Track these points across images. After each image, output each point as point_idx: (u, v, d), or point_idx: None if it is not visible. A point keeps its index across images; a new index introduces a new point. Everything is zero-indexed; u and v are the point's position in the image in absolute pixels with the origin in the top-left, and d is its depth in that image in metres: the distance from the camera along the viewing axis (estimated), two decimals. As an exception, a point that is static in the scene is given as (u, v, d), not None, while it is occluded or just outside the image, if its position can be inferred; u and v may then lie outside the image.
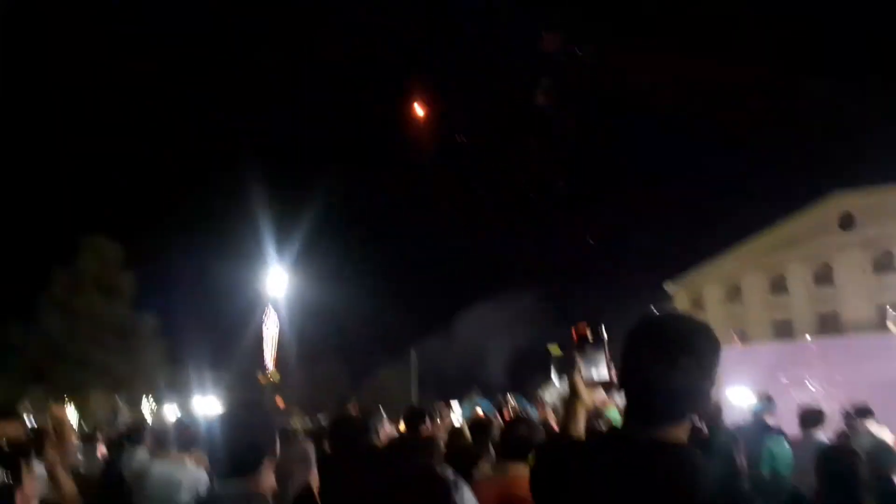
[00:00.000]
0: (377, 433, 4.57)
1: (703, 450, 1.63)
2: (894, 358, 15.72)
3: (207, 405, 23.51)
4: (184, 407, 25.62)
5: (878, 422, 7.63)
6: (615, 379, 2.08)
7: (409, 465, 3.17)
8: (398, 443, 3.89)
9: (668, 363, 1.57)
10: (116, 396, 27.51)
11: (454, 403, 12.54)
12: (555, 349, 43.51)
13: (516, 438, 3.44)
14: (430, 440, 4.25)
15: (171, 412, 23.46)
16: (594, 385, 2.16)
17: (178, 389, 32.75)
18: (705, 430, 5.48)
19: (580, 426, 2.14)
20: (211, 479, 3.06)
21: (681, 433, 1.61)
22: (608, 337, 2.27)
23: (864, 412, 7.75)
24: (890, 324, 28.76)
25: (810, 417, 6.54)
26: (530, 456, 3.53)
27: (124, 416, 20.58)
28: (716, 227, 48.14)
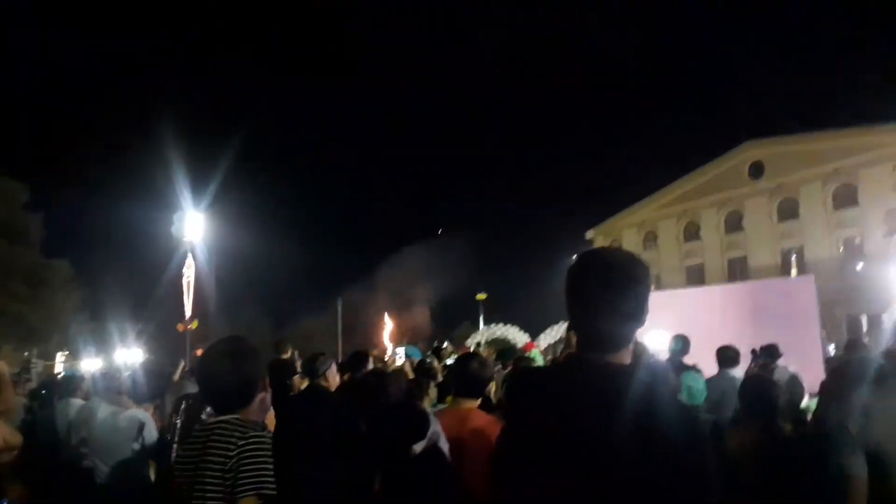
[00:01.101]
0: (325, 377, 4.63)
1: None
2: (797, 301, 16.84)
3: (129, 357, 22.90)
4: (105, 360, 24.90)
5: (783, 361, 8.27)
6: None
7: (389, 398, 3.28)
8: (371, 379, 3.97)
9: (613, 293, 1.74)
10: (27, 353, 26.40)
11: (399, 350, 12.79)
12: (481, 296, 44.07)
13: (468, 374, 3.58)
14: (399, 375, 4.36)
15: (89, 365, 22.76)
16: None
17: (96, 341, 31.71)
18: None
19: None
20: (192, 410, 3.07)
21: (627, 357, 1.80)
22: (534, 279, 2.40)
23: (771, 352, 8.38)
24: (793, 269, 30.47)
25: (727, 356, 6.97)
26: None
27: (38, 369, 19.85)
28: (634, 176, 49.72)
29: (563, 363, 1.98)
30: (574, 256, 1.89)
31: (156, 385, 4.45)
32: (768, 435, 3.70)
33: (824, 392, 3.13)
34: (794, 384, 6.15)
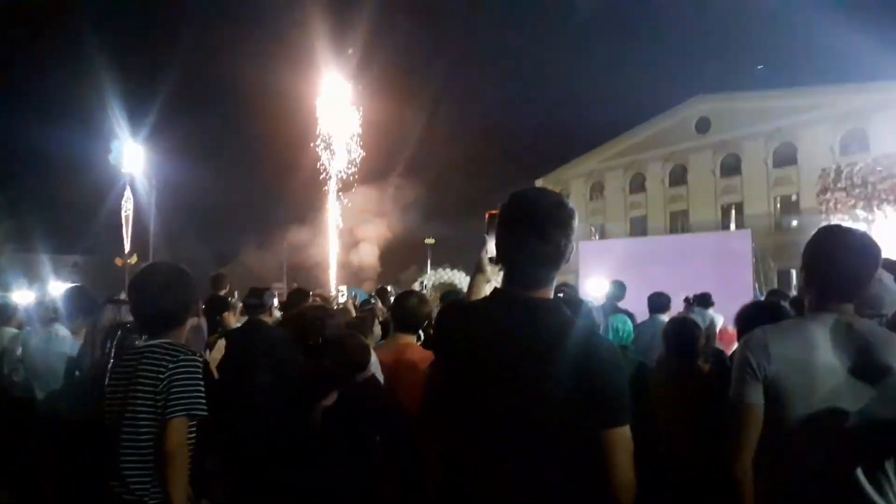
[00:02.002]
0: (269, 312, 4.65)
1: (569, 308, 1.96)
2: (733, 254, 17.47)
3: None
4: (38, 292, 24.14)
5: (715, 310, 8.64)
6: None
7: (327, 331, 3.34)
8: (312, 312, 4.01)
9: (538, 234, 1.83)
10: None
11: (342, 288, 12.84)
12: (430, 240, 43.99)
13: (407, 309, 3.66)
14: (342, 310, 4.40)
15: (21, 297, 22.06)
16: (496, 261, 2.37)
17: (28, 273, 30.71)
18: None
19: (481, 296, 2.38)
20: (124, 337, 3.07)
21: (549, 293, 1.91)
22: (482, 226, 2.47)
23: (704, 301, 8.74)
24: (732, 224, 31.27)
25: (657, 302, 7.23)
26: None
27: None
28: (584, 127, 50.00)
29: (489, 297, 2.07)
30: (510, 195, 1.95)
31: (85, 306, 4.41)
32: (687, 372, 3.93)
33: (737, 331, 3.36)
34: (713, 325, 6.47)
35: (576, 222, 1.89)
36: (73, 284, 5.20)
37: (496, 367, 1.80)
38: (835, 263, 2.04)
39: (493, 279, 2.43)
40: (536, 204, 1.87)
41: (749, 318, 3.09)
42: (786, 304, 4.00)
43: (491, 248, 2.36)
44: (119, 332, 3.09)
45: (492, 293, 2.06)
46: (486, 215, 2.40)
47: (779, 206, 36.43)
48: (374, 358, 3.33)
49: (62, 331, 4.55)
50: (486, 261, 2.41)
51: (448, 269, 26.92)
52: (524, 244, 1.85)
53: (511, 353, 1.79)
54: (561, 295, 4.95)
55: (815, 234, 2.13)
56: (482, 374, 1.82)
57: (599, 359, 1.76)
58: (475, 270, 2.47)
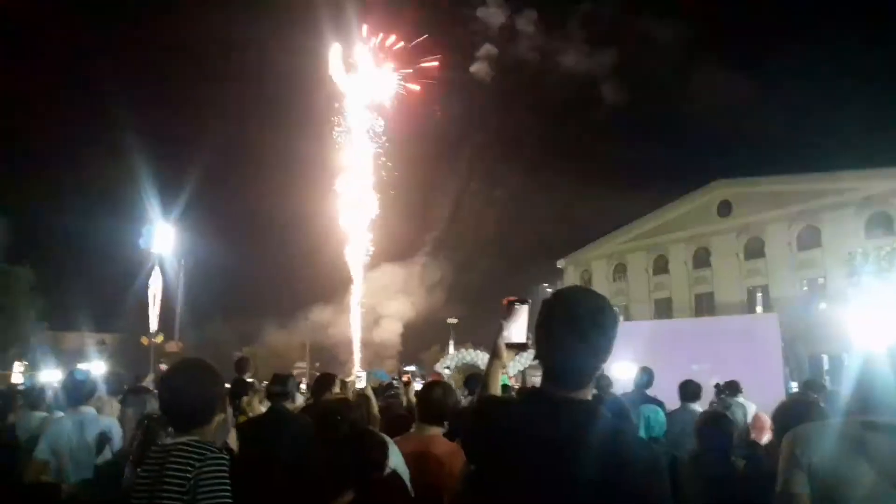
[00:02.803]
0: (293, 399, 4.64)
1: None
2: (761, 338, 17.20)
3: (91, 370, 22.38)
4: (65, 372, 24.31)
5: (745, 397, 8.44)
6: (530, 344, 2.35)
7: (347, 425, 3.31)
8: (333, 405, 3.99)
9: (579, 337, 1.85)
10: None
11: (361, 373, 12.77)
12: (453, 320, 43.86)
13: (432, 401, 3.63)
14: (365, 399, 4.37)
15: (48, 377, 22.22)
16: (513, 347, 2.39)
17: (57, 352, 30.96)
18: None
19: (497, 384, 2.38)
20: (151, 431, 3.07)
21: (588, 393, 1.91)
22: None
23: (733, 388, 8.56)
24: (759, 306, 30.86)
25: (689, 391, 7.10)
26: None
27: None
28: (606, 208, 50.39)
29: (526, 396, 2.08)
30: (548, 290, 1.98)
31: (114, 385, 4.45)
32: (722, 470, 3.81)
33: (775, 428, 3.33)
34: (745, 416, 6.32)
35: (618, 328, 1.90)
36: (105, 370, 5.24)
37: (533, 473, 1.78)
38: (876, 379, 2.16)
39: (510, 365, 2.43)
40: (580, 307, 1.89)
41: (789, 417, 3.10)
42: (821, 396, 3.92)
43: (507, 334, 2.38)
44: (147, 423, 3.10)
45: (530, 393, 2.06)
46: (504, 302, 2.43)
47: (805, 289, 35.96)
48: (396, 451, 3.29)
49: (90, 413, 4.56)
50: (502, 347, 2.41)
51: (471, 350, 26.73)
52: (565, 345, 1.86)
53: (550, 459, 1.78)
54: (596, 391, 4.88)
55: (865, 356, 2.31)
56: (519, 480, 1.80)
57: (645, 468, 1.76)
58: (492, 356, 2.48)
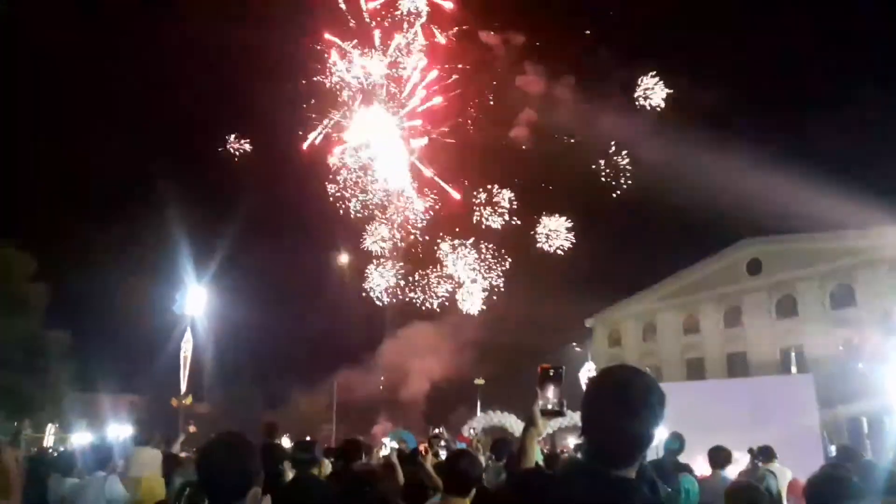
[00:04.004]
0: (319, 465, 4.70)
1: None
2: (797, 400, 16.78)
3: (121, 433, 22.57)
4: (95, 434, 24.53)
5: (780, 462, 8.25)
6: (565, 410, 2.39)
7: (375, 496, 3.38)
8: (361, 475, 4.04)
9: (630, 418, 1.87)
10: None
11: (385, 440, 12.72)
12: (480, 381, 43.49)
13: (459, 472, 3.67)
14: (390, 469, 4.41)
15: (80, 440, 22.40)
16: (548, 414, 2.42)
17: (88, 414, 31.24)
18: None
19: (534, 453, 2.42)
20: (192, 500, 3.17)
21: (633, 472, 1.94)
22: (534, 366, 2.54)
23: (767, 454, 8.37)
24: (793, 367, 30.16)
25: (719, 457, 7.00)
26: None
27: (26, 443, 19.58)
28: (635, 267, 50.06)
29: (572, 472, 2.08)
30: (577, 349, 2.04)
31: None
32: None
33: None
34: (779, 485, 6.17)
35: (666, 408, 1.93)
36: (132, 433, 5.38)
37: None
38: None
39: (545, 432, 2.46)
40: (630, 387, 1.91)
41: (822, 496, 3.07)
42: (855, 466, 3.86)
43: (543, 401, 2.41)
44: (186, 492, 3.20)
45: (576, 468, 2.07)
46: (539, 369, 2.46)
47: (841, 348, 35.08)
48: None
49: (116, 485, 4.67)
50: (538, 415, 2.44)
51: (498, 412, 26.42)
52: (614, 424, 1.88)
53: None
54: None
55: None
56: None
57: None
58: (527, 424, 2.49)
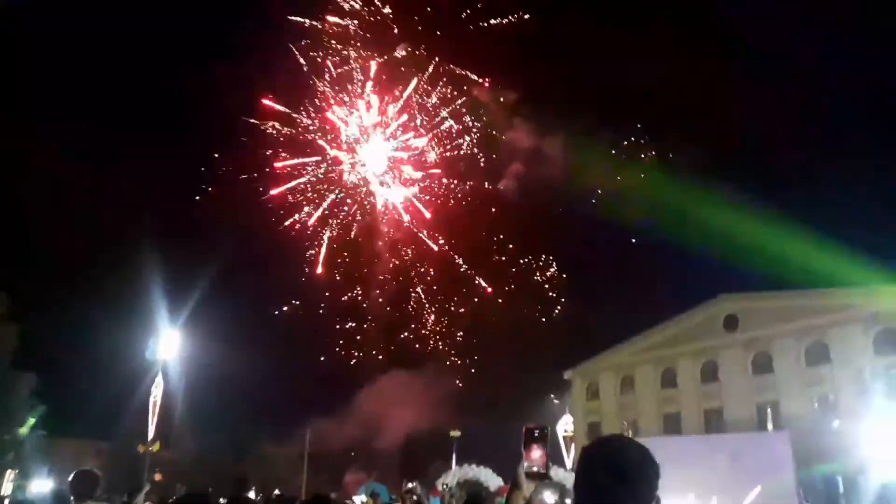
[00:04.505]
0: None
1: None
2: (773, 457, 16.79)
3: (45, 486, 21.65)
4: (56, 481, 23.81)
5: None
6: (550, 473, 2.36)
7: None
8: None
9: (626, 490, 1.88)
10: None
11: (357, 498, 12.51)
12: (455, 433, 42.98)
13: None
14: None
15: (40, 487, 21.66)
16: (533, 476, 2.40)
17: (51, 460, 30.29)
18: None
19: None
20: None
21: None
22: (510, 418, 2.53)
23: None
24: (769, 423, 30.23)
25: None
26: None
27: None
28: (613, 319, 50.31)
29: None
30: (555, 401, 2.04)
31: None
32: None
33: None
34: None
35: (660, 479, 1.93)
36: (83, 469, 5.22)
37: None
38: None
39: (529, 495, 2.43)
40: (627, 460, 1.92)
41: None
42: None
43: (528, 463, 2.39)
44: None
45: None
46: (524, 430, 2.45)
47: (816, 406, 35.23)
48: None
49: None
50: (523, 477, 2.42)
51: (474, 466, 25.99)
52: (610, 495, 1.87)
53: None
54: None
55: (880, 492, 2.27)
56: None
57: None
58: (512, 486, 2.48)
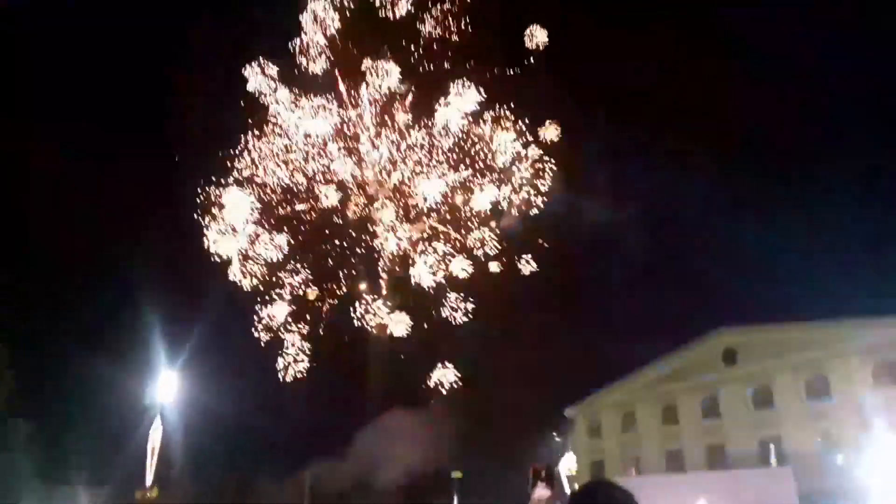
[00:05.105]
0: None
1: None
2: (776, 494, 16.71)
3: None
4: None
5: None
6: None
7: None
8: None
9: None
10: None
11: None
12: (457, 474, 42.51)
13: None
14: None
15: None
16: None
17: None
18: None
19: None
20: None
21: None
22: (512, 457, 2.63)
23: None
24: (773, 459, 29.97)
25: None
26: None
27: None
28: (613, 355, 49.99)
29: None
30: (557, 439, 2.14)
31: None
32: None
33: None
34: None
35: None
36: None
37: None
38: None
39: None
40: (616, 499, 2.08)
41: None
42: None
43: (533, 501, 2.48)
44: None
45: None
46: (531, 470, 2.55)
47: (819, 440, 34.91)
48: None
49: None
50: None
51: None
52: None
53: None
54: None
55: None
56: None
57: None
58: None
